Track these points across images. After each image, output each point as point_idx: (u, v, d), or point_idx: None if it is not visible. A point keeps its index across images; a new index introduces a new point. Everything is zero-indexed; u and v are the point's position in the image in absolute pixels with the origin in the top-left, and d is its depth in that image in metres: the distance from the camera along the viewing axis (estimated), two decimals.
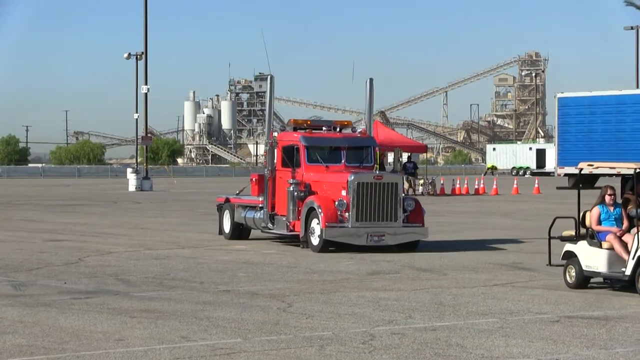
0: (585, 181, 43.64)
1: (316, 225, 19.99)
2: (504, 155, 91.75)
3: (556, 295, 15.46)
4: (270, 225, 21.84)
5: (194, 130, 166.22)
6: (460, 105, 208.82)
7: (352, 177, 20.14)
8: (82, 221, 32.54)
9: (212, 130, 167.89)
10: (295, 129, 22.30)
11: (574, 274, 15.39)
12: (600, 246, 15.06)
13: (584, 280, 15.30)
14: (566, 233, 16.13)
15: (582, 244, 15.48)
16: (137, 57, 61.71)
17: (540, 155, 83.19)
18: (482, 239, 24.33)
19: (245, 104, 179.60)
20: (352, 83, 26.35)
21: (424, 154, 66.14)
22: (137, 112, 62.54)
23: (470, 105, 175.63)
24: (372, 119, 23.53)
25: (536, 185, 54.12)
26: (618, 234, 15.05)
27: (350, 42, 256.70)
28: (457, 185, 53.02)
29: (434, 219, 27.28)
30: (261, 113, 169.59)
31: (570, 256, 15.70)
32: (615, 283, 15.18)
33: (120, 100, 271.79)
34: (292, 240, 22.32)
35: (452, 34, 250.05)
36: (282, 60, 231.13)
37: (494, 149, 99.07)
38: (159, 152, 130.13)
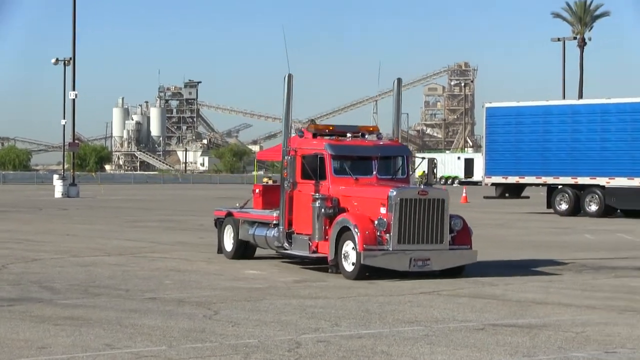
0: (511, 191, 44.35)
1: (351, 249, 17.51)
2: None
3: (482, 304, 15.54)
4: (286, 244, 19.30)
5: (122, 136, 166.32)
6: (390, 114, 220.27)
7: (394, 193, 17.57)
8: (6, 228, 31.64)
9: (141, 137, 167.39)
10: (314, 135, 19.70)
11: None
12: None
13: None
14: None
15: None
16: (64, 63, 61.38)
17: (469, 164, 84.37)
18: None
19: (174, 110, 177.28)
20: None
21: None
22: (64, 118, 62.32)
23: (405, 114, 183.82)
24: (400, 128, 21.17)
25: (464, 195, 54.49)
26: None
27: (279, 50, 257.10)
28: None
29: None
30: (191, 120, 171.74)
31: None
32: None
33: (48, 106, 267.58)
34: (304, 261, 19.80)
35: (383, 44, 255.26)
36: (210, 67, 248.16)
37: (423, 157, 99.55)
38: (87, 159, 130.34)
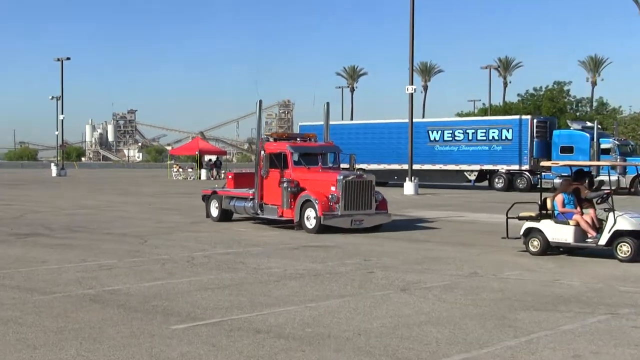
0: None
1: (311, 213, 20.05)
2: None
3: (298, 234, 19.37)
4: (259, 211, 21.69)
5: (91, 141, 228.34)
6: (247, 128, 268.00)
7: (341, 177, 20.29)
8: (22, 193, 38.91)
9: (103, 141, 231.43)
10: (275, 140, 22.35)
11: (537, 244, 15.75)
12: (568, 223, 15.45)
13: (546, 249, 15.71)
14: (523, 214, 16.39)
15: (547, 222, 15.70)
16: (57, 99, 79.97)
17: None
18: None
19: (122, 126, 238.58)
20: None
21: (225, 156, 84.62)
22: (57, 130, 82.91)
23: (251, 128, 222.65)
24: (328, 134, 23.81)
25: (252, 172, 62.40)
26: (577, 215, 15.52)
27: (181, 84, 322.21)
28: None
29: None
30: (131, 131, 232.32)
31: (532, 232, 15.89)
32: (578, 250, 15.81)
33: (48, 123, 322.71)
34: (266, 221, 22.35)
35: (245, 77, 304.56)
36: (143, 100, 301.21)
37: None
38: (71, 154, 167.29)
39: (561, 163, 18.06)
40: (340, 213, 20.05)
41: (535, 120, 46.76)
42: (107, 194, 39.77)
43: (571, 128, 46.80)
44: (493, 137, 47.45)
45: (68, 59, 77.86)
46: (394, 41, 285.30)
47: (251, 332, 8.69)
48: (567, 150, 44.36)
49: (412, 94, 41.96)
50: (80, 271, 12.98)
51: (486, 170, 47.89)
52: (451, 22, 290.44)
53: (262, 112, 22.53)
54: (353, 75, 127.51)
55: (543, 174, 46.37)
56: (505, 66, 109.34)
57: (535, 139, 45.99)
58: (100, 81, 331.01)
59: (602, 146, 43.53)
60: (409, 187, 40.53)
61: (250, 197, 22.08)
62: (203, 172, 65.05)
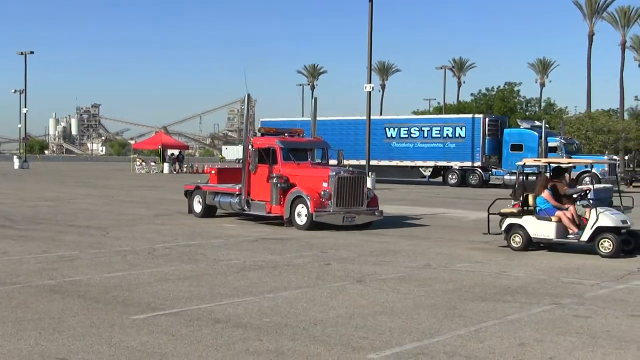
0: None
1: (302, 209, 19.24)
2: (232, 152, 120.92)
3: (257, 227, 19.42)
4: (246, 207, 20.80)
5: (55, 134, 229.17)
6: (210, 123, 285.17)
7: (334, 173, 19.52)
8: None
9: (66, 135, 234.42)
10: (263, 135, 21.42)
11: (519, 240, 15.58)
12: (550, 220, 15.34)
13: (528, 245, 15.53)
14: (504, 210, 16.30)
15: (529, 218, 15.54)
16: (20, 92, 77.25)
17: None
18: None
19: (85, 120, 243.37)
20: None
21: (188, 150, 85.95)
22: (20, 123, 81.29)
23: (214, 124, 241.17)
24: (316, 130, 23.00)
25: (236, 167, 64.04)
26: (560, 211, 15.35)
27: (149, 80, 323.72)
28: (205, 168, 68.35)
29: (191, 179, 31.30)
30: (95, 125, 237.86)
31: (514, 228, 15.71)
32: (558, 245, 15.63)
33: (11, 116, 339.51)
34: (249, 217, 21.67)
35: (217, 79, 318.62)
36: (107, 95, 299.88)
37: (226, 148, 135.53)
38: (34, 147, 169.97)
39: (543, 160, 18.11)
40: (333, 210, 19.35)
41: (487, 119, 47.47)
42: (70, 186, 39.33)
43: (521, 127, 47.59)
44: (447, 134, 47.98)
45: (32, 52, 76.35)
46: (354, 41, 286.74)
47: (210, 321, 8.66)
48: (517, 148, 45.06)
49: (370, 92, 42.11)
50: (41, 262, 12.84)
51: (440, 166, 48.43)
52: (408, 24, 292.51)
53: (249, 106, 21.87)
54: (314, 73, 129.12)
55: (494, 170, 47.23)
56: (460, 67, 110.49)
57: (487, 137, 46.69)
58: (65, 75, 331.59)
59: (550, 144, 44.32)
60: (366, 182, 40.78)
61: (237, 192, 21.23)
62: (166, 166, 64.65)
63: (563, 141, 45.08)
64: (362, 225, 19.69)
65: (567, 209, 15.40)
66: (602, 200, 15.76)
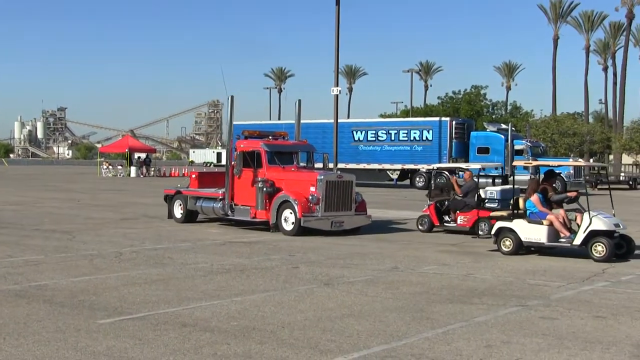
0: None
1: (290, 215, 18.70)
2: (200, 155, 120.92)
3: (224, 229, 19.46)
4: (230, 212, 20.26)
5: (20, 138, 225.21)
6: (177, 127, 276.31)
7: (322, 177, 18.96)
8: None
9: (32, 138, 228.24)
10: (247, 137, 20.76)
11: (509, 244, 15.35)
12: (541, 223, 15.14)
13: (519, 249, 15.33)
14: (494, 213, 16.43)
15: (520, 222, 15.30)
16: None
17: (219, 155, 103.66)
18: None
19: (51, 123, 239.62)
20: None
21: (155, 154, 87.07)
22: None
23: (181, 127, 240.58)
24: (300, 133, 22.68)
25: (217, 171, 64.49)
26: (551, 214, 15.22)
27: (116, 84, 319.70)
28: (173, 171, 66.39)
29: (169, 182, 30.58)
30: (61, 129, 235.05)
31: (504, 231, 15.48)
32: (548, 249, 15.53)
33: None
34: (226, 220, 21.21)
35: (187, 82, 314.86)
36: (73, 97, 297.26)
37: (194, 151, 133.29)
38: None
39: (534, 163, 18.04)
40: (321, 214, 18.79)
41: (454, 122, 47.88)
42: (36, 190, 38.94)
43: (487, 130, 48.04)
44: (414, 137, 48.29)
45: None
46: (321, 44, 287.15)
47: (177, 325, 8.60)
48: (483, 151, 45.49)
49: (337, 95, 42.22)
50: (6, 267, 12.71)
51: (408, 169, 48.71)
52: (375, 28, 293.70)
53: (232, 108, 21.03)
54: (281, 76, 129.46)
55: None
56: (427, 70, 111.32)
57: (454, 140, 47.07)
58: (30, 78, 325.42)
59: (516, 147, 44.82)
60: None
61: (220, 197, 20.64)
62: (133, 169, 64.20)
63: (529, 144, 45.66)
64: (350, 230, 19.35)
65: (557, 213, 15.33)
66: (508, 200, 16.07)
